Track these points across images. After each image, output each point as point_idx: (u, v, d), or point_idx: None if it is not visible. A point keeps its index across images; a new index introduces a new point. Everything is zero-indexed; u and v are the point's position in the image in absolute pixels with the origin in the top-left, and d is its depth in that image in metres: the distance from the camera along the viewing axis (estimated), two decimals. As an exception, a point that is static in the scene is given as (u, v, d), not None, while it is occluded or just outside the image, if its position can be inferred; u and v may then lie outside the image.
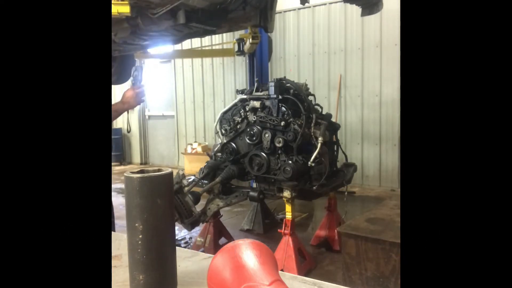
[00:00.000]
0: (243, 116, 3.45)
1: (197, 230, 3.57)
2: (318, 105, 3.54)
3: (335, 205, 3.66)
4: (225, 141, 3.53)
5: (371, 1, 3.45)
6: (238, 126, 3.47)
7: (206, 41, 6.84)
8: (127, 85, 7.85)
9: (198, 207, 3.09)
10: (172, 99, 7.92)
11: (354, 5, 3.73)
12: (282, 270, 2.52)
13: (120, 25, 3.10)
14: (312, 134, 3.15)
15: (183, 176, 3.03)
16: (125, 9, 2.63)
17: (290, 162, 3.10)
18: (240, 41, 5.03)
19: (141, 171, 0.76)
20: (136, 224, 0.73)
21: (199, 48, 6.54)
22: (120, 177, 6.11)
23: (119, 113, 2.14)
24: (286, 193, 3.00)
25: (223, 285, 0.65)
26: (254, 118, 3.34)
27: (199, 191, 3.17)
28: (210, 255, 0.92)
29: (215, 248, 3.37)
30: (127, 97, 2.13)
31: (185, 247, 3.66)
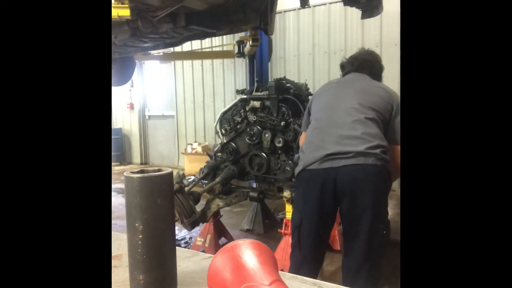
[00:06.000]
0: (243, 116, 3.44)
1: (197, 230, 3.56)
2: (318, 105, 3.54)
3: (335, 205, 3.65)
4: (225, 141, 3.52)
5: (371, 4, 3.45)
6: (238, 126, 3.46)
7: (206, 43, 6.82)
8: (126, 86, 7.80)
9: (198, 207, 3.08)
10: (172, 99, 7.91)
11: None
12: (282, 270, 2.52)
13: (121, 28, 3.10)
14: (312, 134, 3.15)
15: (183, 176, 3.03)
16: (125, 12, 2.61)
17: (290, 162, 3.10)
18: (240, 43, 5.01)
19: (141, 171, 0.76)
20: (136, 224, 0.73)
21: (199, 50, 6.53)
22: (120, 177, 6.11)
23: None
24: (286, 193, 3.00)
25: (223, 285, 0.65)
26: (254, 118, 3.34)
27: (199, 191, 3.17)
28: (210, 255, 0.92)
29: (215, 248, 3.37)
30: None
31: (185, 247, 3.66)
